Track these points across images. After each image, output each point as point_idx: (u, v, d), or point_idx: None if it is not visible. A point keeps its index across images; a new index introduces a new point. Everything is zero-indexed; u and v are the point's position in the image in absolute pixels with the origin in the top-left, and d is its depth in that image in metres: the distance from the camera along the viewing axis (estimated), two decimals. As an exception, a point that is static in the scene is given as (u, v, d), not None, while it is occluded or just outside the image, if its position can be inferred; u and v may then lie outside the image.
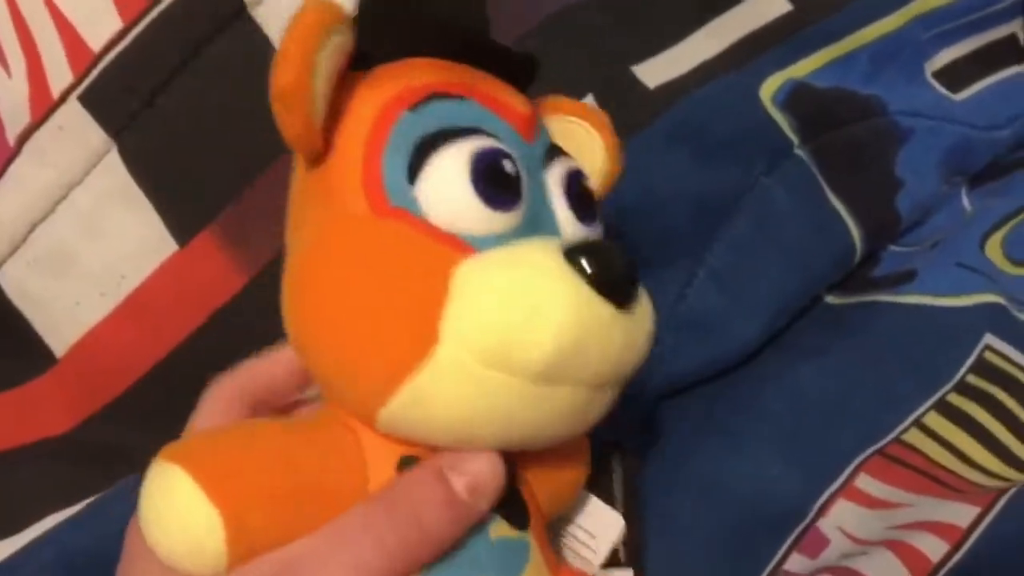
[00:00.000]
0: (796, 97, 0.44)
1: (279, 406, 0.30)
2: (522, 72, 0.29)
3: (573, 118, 0.31)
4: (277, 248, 0.37)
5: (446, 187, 0.24)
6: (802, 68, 0.45)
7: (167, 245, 0.37)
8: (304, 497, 0.25)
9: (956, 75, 0.50)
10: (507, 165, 0.25)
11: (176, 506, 0.23)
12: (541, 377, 0.24)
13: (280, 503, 0.24)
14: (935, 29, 0.50)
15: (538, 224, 0.26)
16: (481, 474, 0.25)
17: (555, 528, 0.33)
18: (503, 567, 0.27)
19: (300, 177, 0.27)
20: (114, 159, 0.38)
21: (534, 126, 0.27)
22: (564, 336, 0.23)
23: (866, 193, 0.44)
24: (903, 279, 0.43)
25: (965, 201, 0.49)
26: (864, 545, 0.35)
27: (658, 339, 0.40)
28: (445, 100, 0.26)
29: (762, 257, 0.41)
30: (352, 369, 0.25)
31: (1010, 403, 0.38)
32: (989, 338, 0.40)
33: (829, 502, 0.36)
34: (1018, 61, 0.53)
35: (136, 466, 0.36)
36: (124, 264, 0.38)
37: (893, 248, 0.46)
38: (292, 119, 0.24)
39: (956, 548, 0.32)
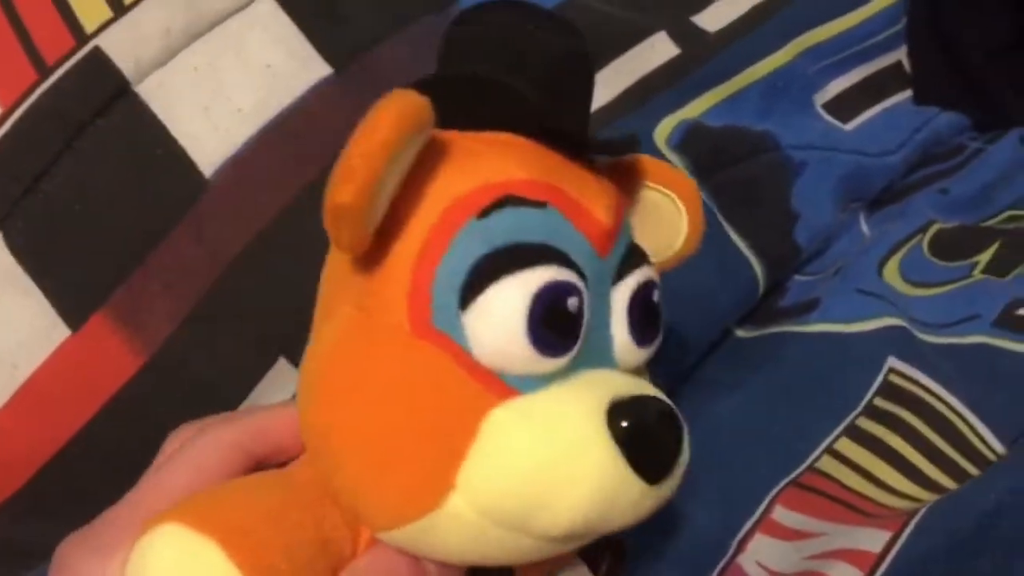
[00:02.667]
0: (691, 138, 0.45)
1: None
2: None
3: (660, 187, 0.28)
4: (173, 327, 0.37)
5: (499, 326, 0.21)
6: (695, 109, 0.46)
7: (59, 331, 0.36)
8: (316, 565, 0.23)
9: (845, 105, 0.51)
10: (571, 303, 0.22)
11: None
12: (557, 541, 0.23)
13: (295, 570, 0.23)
14: (822, 62, 0.51)
15: (590, 350, 0.23)
16: None
17: None
18: None
19: (337, 259, 0.24)
20: (-2, 247, 0.37)
21: (612, 238, 0.24)
22: (590, 513, 0.22)
23: (765, 228, 0.44)
24: (807, 308, 0.44)
25: (864, 227, 0.50)
26: (782, 579, 0.35)
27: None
28: (521, 206, 0.22)
29: (668, 298, 0.41)
30: (362, 493, 0.23)
31: (917, 424, 0.39)
32: (893, 361, 0.41)
33: (747, 536, 0.36)
34: (904, 88, 0.55)
35: (40, 561, 0.35)
36: (15, 353, 0.36)
37: (798, 278, 0.47)
38: (342, 233, 0.21)
39: (870, 575, 0.33)
